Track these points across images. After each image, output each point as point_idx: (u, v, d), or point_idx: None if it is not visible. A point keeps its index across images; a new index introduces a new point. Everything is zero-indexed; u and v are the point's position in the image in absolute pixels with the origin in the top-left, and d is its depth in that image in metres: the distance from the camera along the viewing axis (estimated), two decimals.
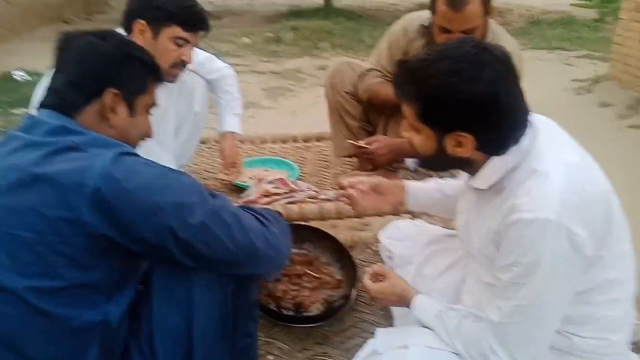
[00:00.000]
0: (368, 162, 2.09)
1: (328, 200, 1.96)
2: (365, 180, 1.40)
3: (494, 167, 1.02)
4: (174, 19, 1.59)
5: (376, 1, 12.57)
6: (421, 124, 1.01)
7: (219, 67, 2.12)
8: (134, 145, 1.09)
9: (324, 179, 2.25)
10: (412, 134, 1.05)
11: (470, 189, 1.12)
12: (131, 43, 1.12)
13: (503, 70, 0.95)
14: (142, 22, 1.60)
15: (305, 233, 1.68)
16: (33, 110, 1.54)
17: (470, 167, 1.06)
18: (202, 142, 2.43)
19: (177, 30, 1.61)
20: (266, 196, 1.97)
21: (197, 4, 1.66)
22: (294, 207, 1.87)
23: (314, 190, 2.03)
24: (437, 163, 1.12)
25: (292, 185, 2.04)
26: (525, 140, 1.01)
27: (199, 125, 2.15)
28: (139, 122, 1.09)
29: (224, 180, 2.12)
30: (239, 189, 2.12)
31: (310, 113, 4.36)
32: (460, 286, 1.26)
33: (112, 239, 0.92)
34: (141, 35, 1.61)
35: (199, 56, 2.01)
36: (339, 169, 2.33)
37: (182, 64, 1.68)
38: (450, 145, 1.00)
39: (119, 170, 0.91)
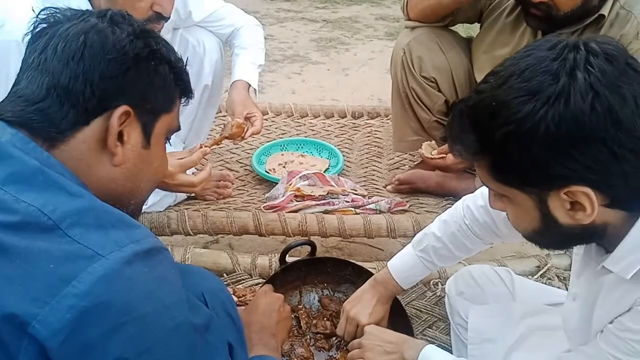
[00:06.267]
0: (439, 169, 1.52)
1: (378, 211, 1.47)
2: None
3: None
4: None
5: None
6: (504, 186, 0.69)
7: (238, 18, 1.56)
8: (144, 197, 0.72)
9: (374, 173, 1.74)
10: (503, 204, 0.73)
11: (595, 265, 0.73)
12: (153, 32, 0.68)
13: (612, 74, 0.61)
14: None
15: (344, 271, 1.18)
16: None
17: (603, 236, 0.69)
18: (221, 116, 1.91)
19: None
20: (296, 198, 1.50)
21: None
22: (332, 220, 1.40)
23: (360, 194, 1.54)
24: (550, 240, 0.73)
25: (332, 184, 1.56)
26: None
27: (213, 99, 1.60)
28: (155, 157, 0.70)
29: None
30: (264, 180, 1.66)
31: (363, 72, 3.88)
32: None
33: None
34: None
35: (204, 4, 1.50)
36: (394, 158, 1.81)
37: (156, 17, 1.17)
38: (560, 210, 0.66)
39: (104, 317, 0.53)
